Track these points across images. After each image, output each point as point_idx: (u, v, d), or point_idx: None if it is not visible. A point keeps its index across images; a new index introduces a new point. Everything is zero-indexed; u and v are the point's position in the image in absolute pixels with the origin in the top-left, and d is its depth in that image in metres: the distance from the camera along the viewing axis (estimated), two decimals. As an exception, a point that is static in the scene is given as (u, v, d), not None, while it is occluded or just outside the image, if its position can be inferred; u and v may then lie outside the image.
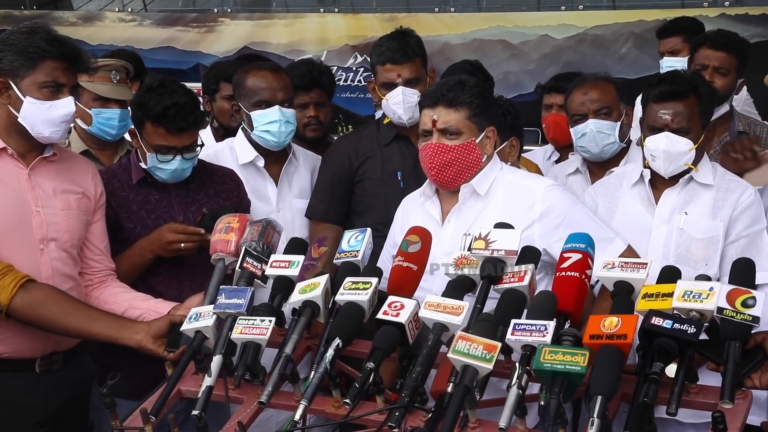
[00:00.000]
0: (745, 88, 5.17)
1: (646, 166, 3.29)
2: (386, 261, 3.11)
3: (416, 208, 3.19)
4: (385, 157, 3.87)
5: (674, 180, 3.25)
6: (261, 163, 3.81)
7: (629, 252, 3.00)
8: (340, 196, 3.88)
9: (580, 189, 3.74)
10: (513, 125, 3.56)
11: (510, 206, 3.00)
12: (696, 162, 3.21)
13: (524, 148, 3.85)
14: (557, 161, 4.39)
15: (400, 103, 3.78)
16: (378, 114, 4.94)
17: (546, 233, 2.95)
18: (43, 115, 2.83)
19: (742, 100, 5.07)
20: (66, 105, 2.86)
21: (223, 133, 4.45)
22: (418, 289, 2.57)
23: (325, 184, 3.91)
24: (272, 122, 3.69)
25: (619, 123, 3.73)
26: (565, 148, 4.34)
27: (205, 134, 4.25)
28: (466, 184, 3.06)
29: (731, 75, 4.24)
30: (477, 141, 3.02)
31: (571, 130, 3.82)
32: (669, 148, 3.15)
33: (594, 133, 3.72)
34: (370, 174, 3.87)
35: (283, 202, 3.84)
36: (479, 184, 3.06)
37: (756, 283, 2.23)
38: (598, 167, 3.82)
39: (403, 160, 3.83)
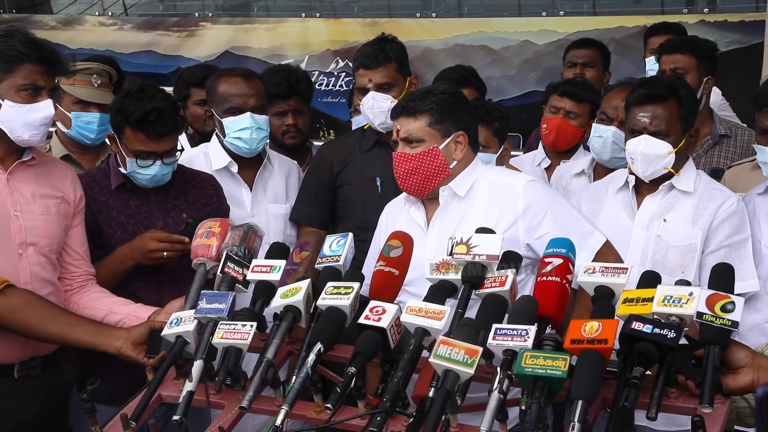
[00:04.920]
0: (720, 93, 5.18)
1: (631, 172, 3.30)
2: (371, 268, 3.09)
3: (401, 215, 3.20)
4: (365, 163, 3.88)
5: (656, 186, 3.26)
6: (235, 168, 3.79)
7: (607, 247, 3.01)
8: (322, 200, 3.89)
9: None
10: (503, 129, 3.61)
11: (493, 205, 3.02)
12: (678, 167, 3.22)
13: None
14: (547, 168, 4.31)
15: (370, 108, 3.80)
16: (354, 120, 4.95)
17: (529, 229, 2.97)
18: (22, 118, 2.81)
19: (718, 104, 5.06)
20: (45, 108, 2.84)
21: (199, 138, 4.40)
22: (407, 294, 2.57)
23: (308, 188, 3.93)
24: (243, 129, 3.67)
25: None
26: (559, 155, 4.27)
27: (181, 140, 4.21)
28: (445, 186, 3.07)
29: (691, 74, 4.23)
30: (441, 147, 3.03)
31: (593, 125, 3.79)
32: (647, 151, 3.17)
33: (610, 141, 3.71)
34: (350, 179, 3.88)
35: (257, 207, 3.83)
36: (458, 187, 3.07)
37: (736, 292, 2.24)
38: (604, 173, 3.73)
39: (383, 165, 3.81)
